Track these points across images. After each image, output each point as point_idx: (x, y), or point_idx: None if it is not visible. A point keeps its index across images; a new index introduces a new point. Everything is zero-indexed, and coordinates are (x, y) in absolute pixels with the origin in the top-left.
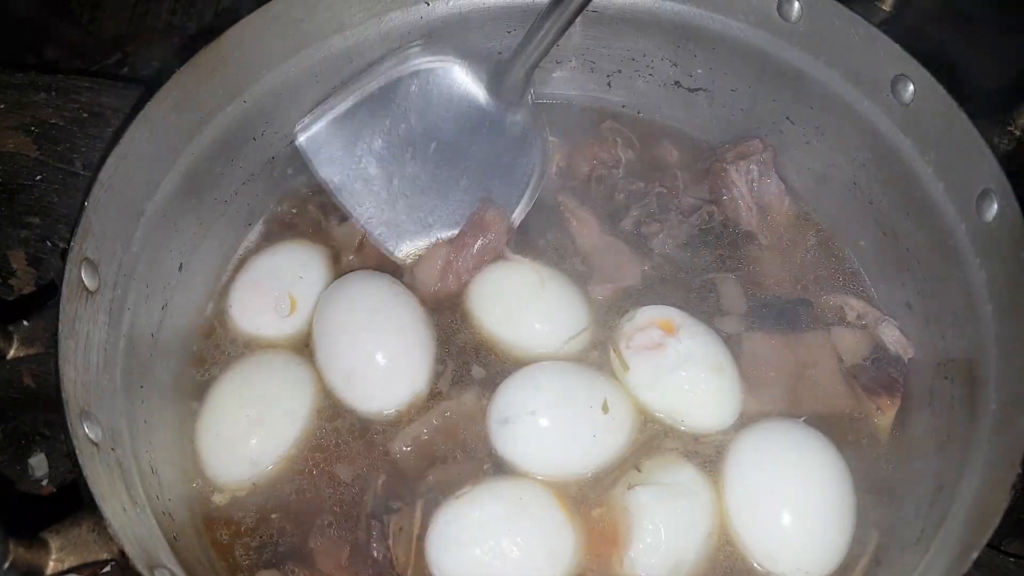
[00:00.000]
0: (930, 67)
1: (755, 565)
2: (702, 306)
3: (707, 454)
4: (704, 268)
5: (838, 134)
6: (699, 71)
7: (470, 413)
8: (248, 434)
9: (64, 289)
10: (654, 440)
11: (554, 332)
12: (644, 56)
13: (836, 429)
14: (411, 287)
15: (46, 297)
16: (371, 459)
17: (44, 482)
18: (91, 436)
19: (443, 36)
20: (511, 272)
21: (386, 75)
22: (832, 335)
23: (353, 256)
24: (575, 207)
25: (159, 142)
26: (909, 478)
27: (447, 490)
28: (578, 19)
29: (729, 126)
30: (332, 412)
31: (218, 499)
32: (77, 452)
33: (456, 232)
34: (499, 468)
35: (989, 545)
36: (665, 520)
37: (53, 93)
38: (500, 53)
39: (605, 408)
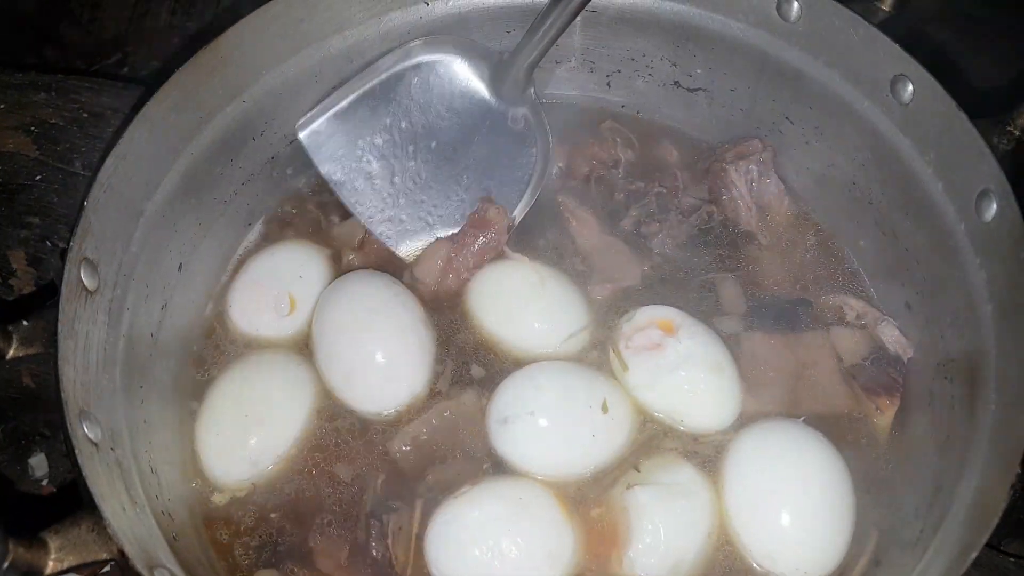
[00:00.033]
0: (929, 67)
1: (754, 565)
2: (701, 306)
3: (706, 454)
4: (703, 268)
5: (837, 134)
6: (698, 71)
7: (469, 413)
8: (247, 434)
9: (63, 289)
10: (653, 440)
11: (554, 332)
12: (644, 56)
13: (835, 429)
14: (411, 286)
15: (46, 297)
16: (370, 459)
17: (44, 482)
18: (90, 436)
19: (443, 35)
20: (511, 272)
21: (388, 71)
22: (831, 335)
23: (353, 255)
24: (575, 207)
25: (158, 142)
26: (908, 478)
27: (446, 490)
28: (577, 19)
29: (729, 126)
30: (332, 412)
31: (218, 499)
32: (76, 452)
33: (457, 230)
34: (498, 468)
35: (988, 545)
36: (664, 520)
37: (53, 93)
38: (503, 53)
39: (604, 408)
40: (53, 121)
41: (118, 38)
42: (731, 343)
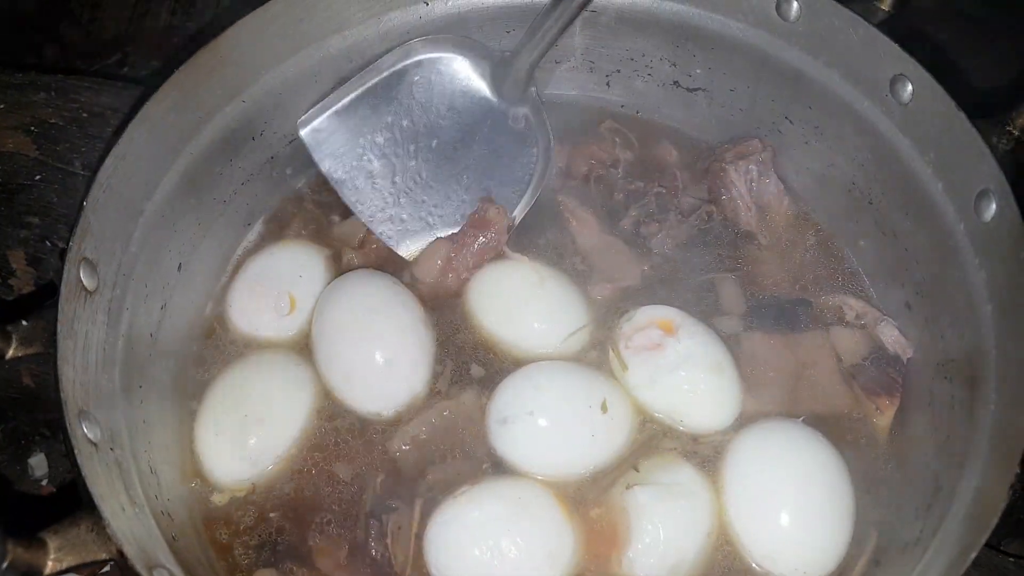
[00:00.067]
0: (929, 67)
1: (754, 565)
2: (701, 306)
3: (706, 454)
4: (703, 268)
5: (837, 134)
6: (698, 71)
7: (469, 413)
8: (247, 434)
9: (63, 289)
10: (653, 440)
11: (553, 332)
12: (643, 56)
13: (835, 429)
14: (410, 285)
15: (45, 297)
16: (370, 458)
17: (44, 482)
18: (90, 436)
19: (445, 34)
20: (511, 271)
21: (389, 69)
22: (831, 335)
23: (353, 255)
24: (575, 206)
25: (158, 142)
26: (908, 478)
27: (446, 489)
28: (577, 18)
29: (728, 126)
30: (331, 412)
31: (217, 499)
32: (76, 452)
33: (457, 230)
34: (498, 468)
35: (988, 545)
36: (664, 520)
37: (53, 93)
38: (504, 52)
39: (604, 408)
40: (53, 121)
41: (118, 38)
42: (731, 343)
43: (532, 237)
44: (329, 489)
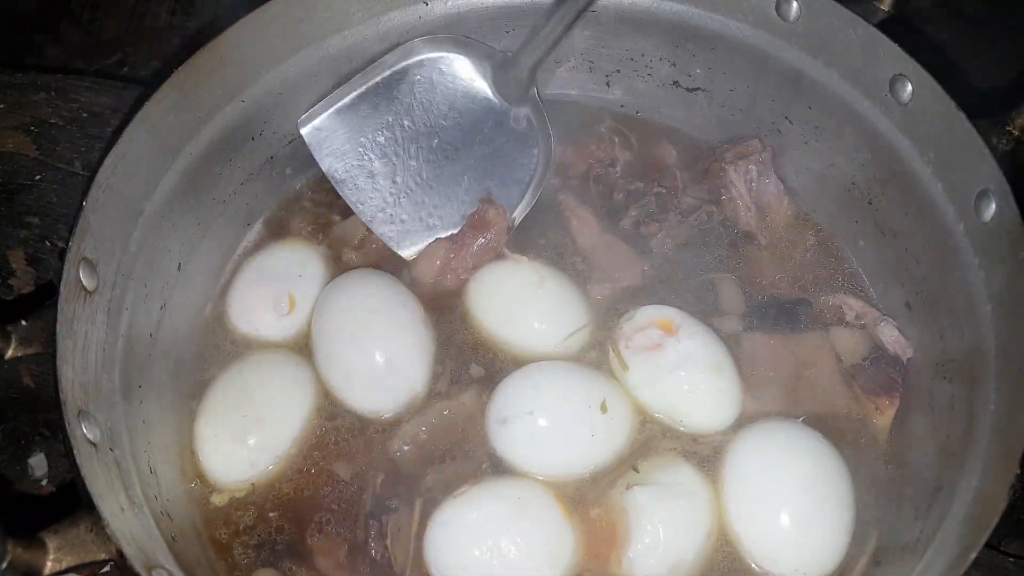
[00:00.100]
0: (929, 67)
1: (753, 566)
2: (701, 306)
3: (705, 454)
4: (703, 268)
5: (837, 134)
6: (698, 71)
7: (469, 413)
8: (247, 434)
9: (62, 289)
10: (653, 440)
11: (553, 331)
12: (643, 56)
13: (835, 429)
14: (410, 285)
15: (45, 297)
16: (370, 458)
17: (44, 482)
18: (89, 436)
19: (446, 34)
20: (510, 271)
21: (391, 68)
22: (831, 335)
23: (353, 255)
24: (575, 206)
25: (158, 142)
26: (908, 478)
27: (446, 490)
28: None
29: (728, 126)
30: (331, 412)
31: (216, 499)
32: (75, 452)
33: (457, 231)
34: (498, 468)
35: (988, 545)
36: (664, 520)
37: (53, 93)
38: (506, 53)
39: (604, 408)
40: (53, 121)
41: (118, 38)
42: (731, 343)
43: (532, 237)
44: (329, 489)
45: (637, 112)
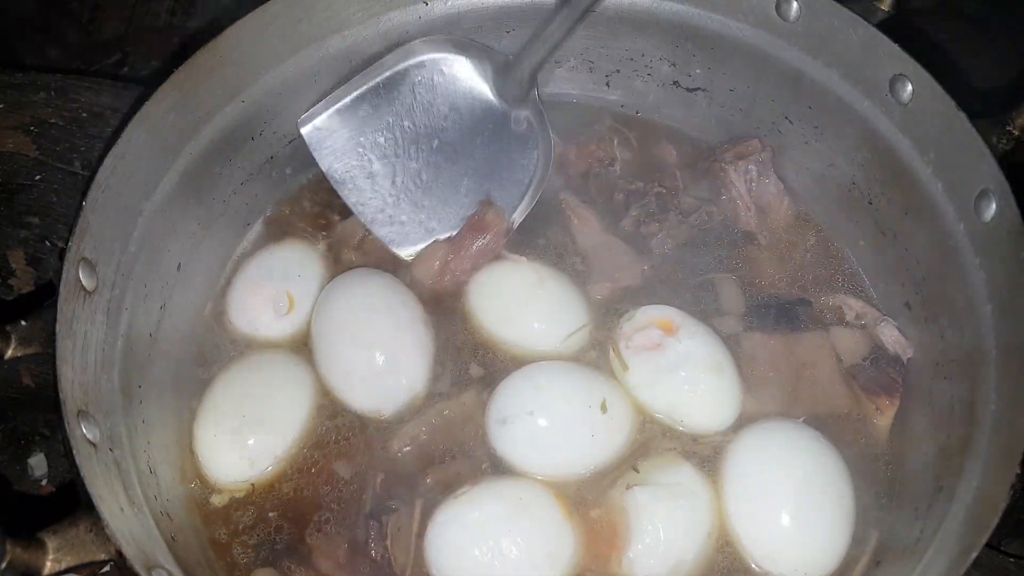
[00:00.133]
0: (929, 67)
1: (753, 566)
2: (701, 306)
3: (706, 454)
4: (703, 268)
5: (837, 134)
6: (698, 71)
7: (469, 413)
8: (246, 434)
9: (62, 289)
10: (653, 440)
11: (553, 331)
12: (643, 56)
13: (835, 429)
14: (410, 286)
15: (44, 297)
16: (370, 458)
17: (43, 482)
18: (89, 436)
19: (446, 35)
20: (510, 271)
21: (391, 68)
22: (831, 335)
23: (353, 254)
24: (575, 206)
25: (157, 142)
26: (908, 478)
27: (446, 490)
28: None
29: (728, 126)
30: (331, 412)
31: (216, 500)
32: (74, 452)
33: (456, 232)
34: (498, 468)
35: (988, 545)
36: (664, 520)
37: (53, 93)
38: (508, 55)
39: (604, 408)
40: (53, 121)
41: (118, 38)
42: (731, 343)
43: (532, 237)
44: (328, 488)
45: (637, 112)
